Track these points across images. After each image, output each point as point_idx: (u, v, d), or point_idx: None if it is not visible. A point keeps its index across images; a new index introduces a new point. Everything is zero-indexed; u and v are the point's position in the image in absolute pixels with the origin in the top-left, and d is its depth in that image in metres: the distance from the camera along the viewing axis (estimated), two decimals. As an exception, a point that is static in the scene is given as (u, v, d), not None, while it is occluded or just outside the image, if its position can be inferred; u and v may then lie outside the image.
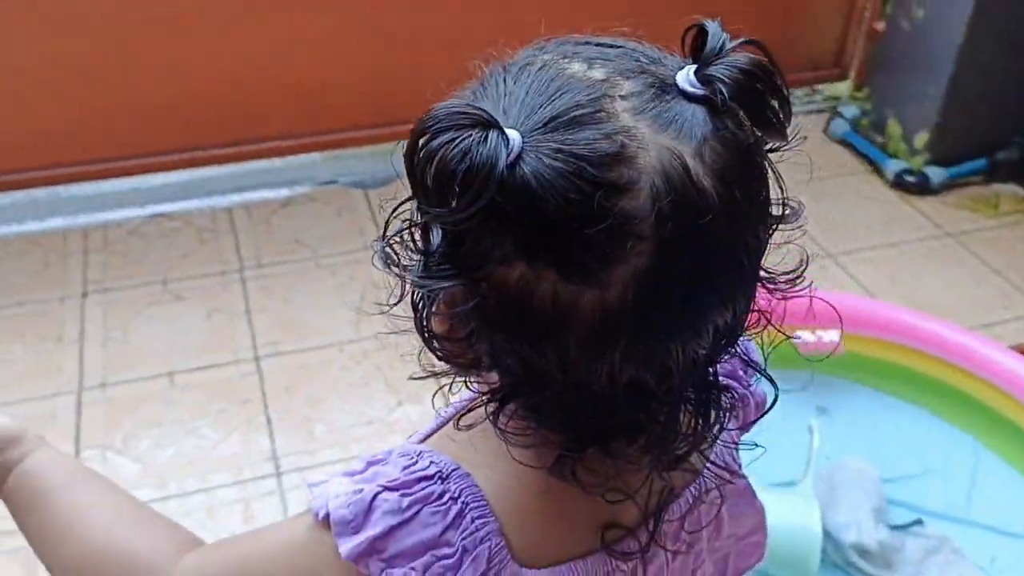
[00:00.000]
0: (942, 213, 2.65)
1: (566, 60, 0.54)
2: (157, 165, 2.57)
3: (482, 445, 0.62)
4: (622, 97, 0.52)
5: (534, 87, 0.52)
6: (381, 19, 2.52)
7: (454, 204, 0.49)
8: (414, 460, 0.60)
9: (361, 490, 0.58)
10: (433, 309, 0.57)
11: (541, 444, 0.60)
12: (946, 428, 1.82)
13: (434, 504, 0.58)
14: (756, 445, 0.74)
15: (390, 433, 1.88)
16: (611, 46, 0.56)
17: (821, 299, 0.79)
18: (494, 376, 0.58)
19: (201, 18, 2.38)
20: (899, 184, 2.72)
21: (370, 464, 0.61)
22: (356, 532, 0.57)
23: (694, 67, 0.53)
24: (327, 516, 0.58)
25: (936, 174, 2.70)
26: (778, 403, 1.84)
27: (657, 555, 0.66)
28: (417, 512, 0.58)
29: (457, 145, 0.48)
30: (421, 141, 0.50)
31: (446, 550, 0.58)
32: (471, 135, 0.48)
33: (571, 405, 0.56)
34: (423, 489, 0.59)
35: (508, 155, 0.48)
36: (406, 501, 0.58)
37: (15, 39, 2.29)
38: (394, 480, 0.59)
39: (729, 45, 0.54)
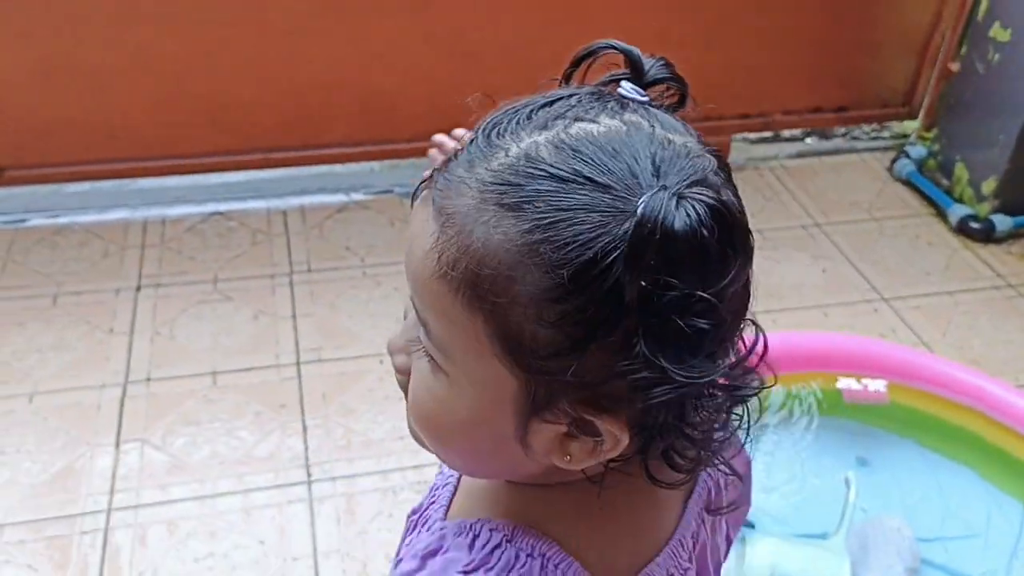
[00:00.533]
0: (1006, 263, 2.57)
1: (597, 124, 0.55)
2: (220, 165, 2.62)
3: (530, 500, 0.62)
4: (651, 128, 0.55)
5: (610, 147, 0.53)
6: (455, 35, 2.53)
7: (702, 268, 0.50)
8: (475, 533, 0.60)
9: None
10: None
11: (617, 474, 0.59)
12: (992, 491, 1.76)
13: (517, 568, 0.58)
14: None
15: (420, 450, 1.88)
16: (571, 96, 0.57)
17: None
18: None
19: (284, 22, 2.42)
20: (962, 230, 2.65)
21: (428, 557, 0.61)
22: None
23: (629, 84, 0.58)
24: None
25: (1002, 222, 2.62)
26: (819, 451, 1.80)
27: (699, 540, 0.68)
28: None
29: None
30: None
31: None
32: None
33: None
34: (500, 558, 0.59)
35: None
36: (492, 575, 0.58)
37: (97, 34, 2.35)
38: (470, 562, 0.59)
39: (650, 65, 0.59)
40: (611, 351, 0.50)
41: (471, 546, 0.60)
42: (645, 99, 0.57)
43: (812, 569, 1.51)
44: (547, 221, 0.50)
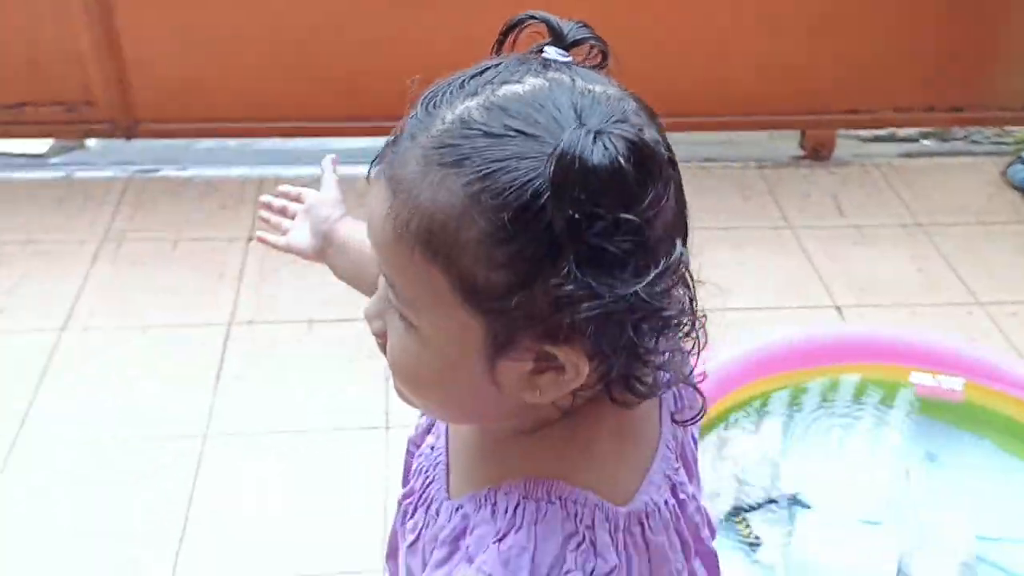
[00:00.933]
0: (1119, 277, 2.46)
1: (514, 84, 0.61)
2: (338, 130, 2.76)
3: (535, 453, 0.66)
4: (571, 82, 0.60)
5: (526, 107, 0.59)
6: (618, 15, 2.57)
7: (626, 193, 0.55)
8: (492, 502, 0.64)
9: (490, 566, 0.62)
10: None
11: (597, 402, 0.64)
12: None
13: (541, 519, 0.63)
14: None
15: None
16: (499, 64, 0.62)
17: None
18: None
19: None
20: (1076, 241, 2.56)
21: (457, 540, 0.65)
22: None
23: (553, 48, 0.62)
24: None
25: (1119, 235, 2.51)
26: (887, 442, 1.79)
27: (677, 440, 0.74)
28: (532, 532, 0.62)
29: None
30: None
31: (576, 540, 0.63)
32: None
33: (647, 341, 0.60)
34: (524, 515, 0.63)
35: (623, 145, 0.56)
36: (522, 536, 0.62)
37: (235, 3, 2.53)
38: (498, 531, 0.63)
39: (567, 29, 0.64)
40: (554, 282, 0.55)
41: (493, 515, 0.63)
42: (567, 59, 0.62)
43: (861, 551, 1.52)
44: (484, 172, 0.55)
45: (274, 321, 2.23)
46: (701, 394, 0.71)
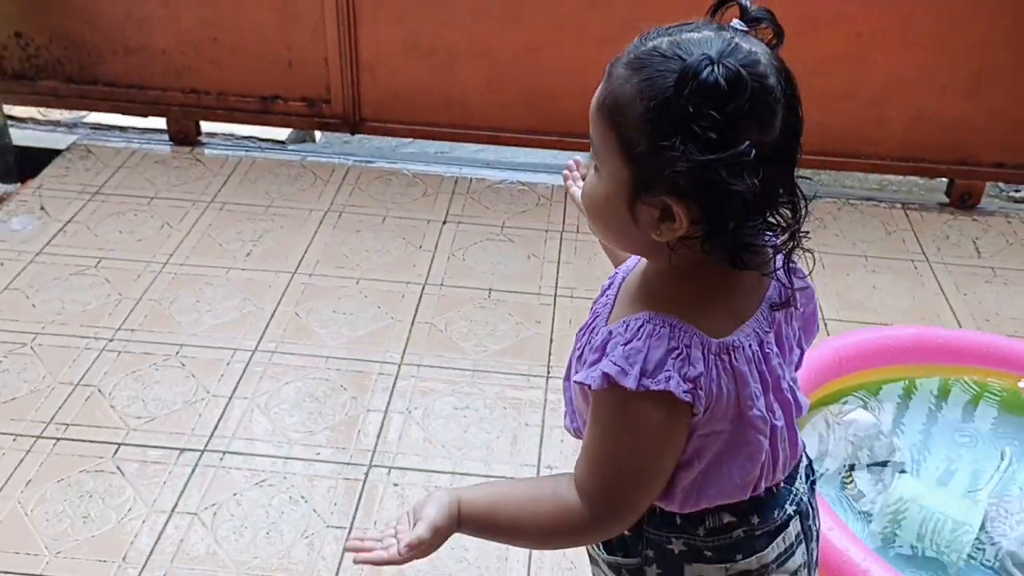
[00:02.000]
0: None
1: (689, 32, 0.91)
2: (527, 141, 3.21)
3: (658, 296, 0.97)
4: (735, 38, 0.90)
5: (695, 42, 0.89)
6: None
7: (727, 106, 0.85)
8: (627, 323, 0.95)
9: (616, 359, 0.93)
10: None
11: (703, 263, 0.95)
12: None
13: (655, 334, 0.93)
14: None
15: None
16: (691, 23, 0.92)
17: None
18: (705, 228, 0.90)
19: (600, 31, 2.91)
20: None
21: (603, 347, 0.94)
22: (627, 374, 0.92)
23: (737, 20, 0.92)
24: (607, 381, 0.93)
25: None
26: (994, 437, 2.02)
27: (778, 315, 1.02)
28: (648, 343, 0.93)
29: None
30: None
31: (677, 351, 0.93)
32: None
33: (748, 224, 0.90)
34: (644, 330, 0.95)
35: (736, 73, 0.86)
36: (639, 342, 0.93)
37: (454, 21, 3.02)
38: (628, 338, 0.94)
39: (751, 8, 0.92)
40: (670, 152, 0.86)
41: (626, 331, 0.94)
42: (743, 28, 0.91)
43: (945, 510, 1.76)
44: (648, 76, 0.88)
45: (461, 286, 2.65)
46: (787, 287, 1.00)
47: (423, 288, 2.64)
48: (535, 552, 1.88)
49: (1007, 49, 2.90)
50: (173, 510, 1.93)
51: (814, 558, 1.13)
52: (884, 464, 1.92)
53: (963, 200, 3.12)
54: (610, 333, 0.96)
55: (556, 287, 2.67)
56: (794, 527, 1.08)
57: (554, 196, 3.11)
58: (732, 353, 0.95)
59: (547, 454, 2.12)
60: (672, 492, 1.00)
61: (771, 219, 0.93)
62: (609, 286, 1.11)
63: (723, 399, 0.95)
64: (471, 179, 3.20)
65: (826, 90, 2.90)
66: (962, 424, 2.05)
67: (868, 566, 1.49)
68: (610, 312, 1.04)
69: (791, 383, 1.03)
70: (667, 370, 0.92)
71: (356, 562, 1.02)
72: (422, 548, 1.00)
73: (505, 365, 2.37)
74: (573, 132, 3.16)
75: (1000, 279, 2.78)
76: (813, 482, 1.14)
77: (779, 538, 1.06)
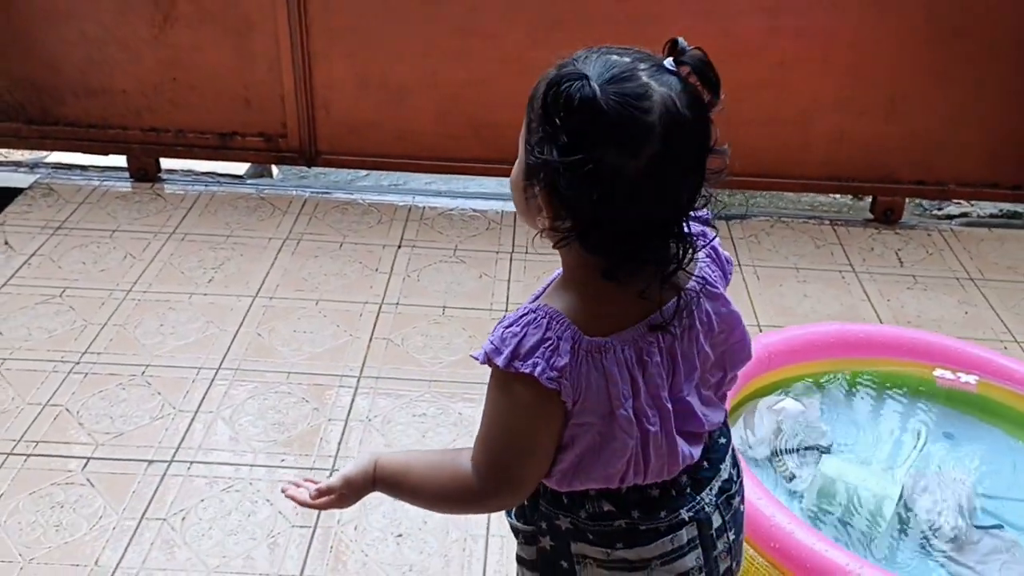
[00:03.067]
0: None
1: (614, 55, 1.00)
2: (475, 169, 3.36)
3: (555, 293, 1.07)
4: (642, 70, 0.97)
5: (600, 63, 0.98)
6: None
7: (572, 119, 0.95)
8: (523, 311, 1.05)
9: (495, 339, 1.04)
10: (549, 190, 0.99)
11: (590, 268, 1.02)
12: (1062, 477, 2.06)
13: (535, 322, 1.02)
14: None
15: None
16: (633, 49, 1.01)
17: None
18: (568, 224, 0.99)
19: (543, 63, 3.09)
20: (1113, 300, 2.88)
21: (500, 324, 1.06)
22: (500, 354, 1.02)
23: (671, 58, 1.00)
24: (485, 357, 1.04)
25: None
26: (914, 422, 2.18)
27: (665, 341, 1.07)
28: (525, 329, 1.02)
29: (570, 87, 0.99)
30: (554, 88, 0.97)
31: (549, 342, 1.01)
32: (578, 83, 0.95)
33: (615, 240, 0.99)
34: (525, 317, 1.03)
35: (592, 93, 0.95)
36: (517, 327, 1.03)
37: (403, 59, 3.19)
38: (511, 322, 1.04)
39: (688, 49, 1.00)
40: (530, 146, 1.00)
41: (514, 316, 1.04)
42: (669, 67, 0.99)
43: (867, 485, 1.91)
44: (546, 78, 1.00)
45: (416, 304, 2.78)
46: (684, 308, 1.07)
47: (380, 307, 2.76)
48: (495, 545, 1.99)
49: (919, 74, 3.14)
50: (143, 516, 2.01)
51: (717, 567, 1.18)
52: (812, 448, 2.07)
53: (886, 215, 3.33)
54: (503, 318, 1.07)
55: (507, 303, 2.80)
56: (688, 532, 1.13)
57: (503, 221, 3.26)
58: (603, 352, 1.03)
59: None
60: (552, 472, 1.09)
61: (651, 251, 1.01)
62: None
63: (592, 393, 1.03)
64: (424, 207, 3.34)
65: (753, 115, 3.11)
66: (882, 409, 2.21)
67: (793, 528, 1.63)
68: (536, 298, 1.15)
69: (687, 397, 1.10)
70: (536, 357, 1.01)
71: (283, 493, 1.26)
72: (332, 496, 1.19)
73: (460, 375, 2.49)
74: (510, 158, 3.33)
75: (920, 286, 2.97)
76: (730, 496, 1.19)
77: (667, 538, 1.13)
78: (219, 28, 3.18)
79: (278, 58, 3.20)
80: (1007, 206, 3.48)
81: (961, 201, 3.44)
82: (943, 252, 3.18)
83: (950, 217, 3.43)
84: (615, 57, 0.98)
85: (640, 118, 0.94)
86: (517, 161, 1.07)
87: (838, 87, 3.15)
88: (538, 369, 1.00)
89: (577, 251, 1.02)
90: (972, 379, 2.19)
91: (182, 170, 3.51)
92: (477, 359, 1.07)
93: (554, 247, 1.04)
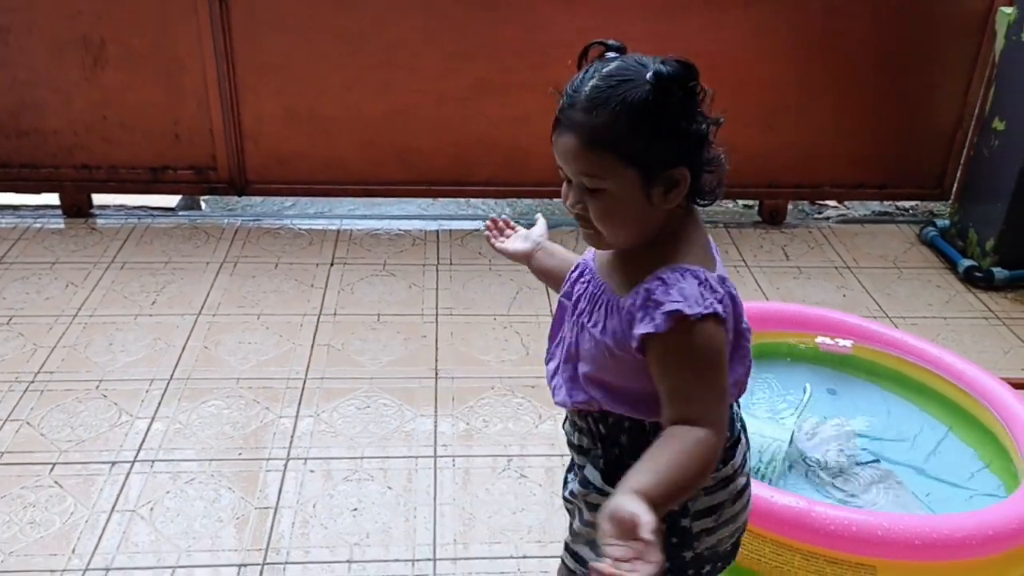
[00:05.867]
0: (999, 303, 3.18)
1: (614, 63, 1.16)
2: (399, 191, 3.61)
3: (662, 256, 1.17)
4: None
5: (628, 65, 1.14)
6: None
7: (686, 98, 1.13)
8: (659, 280, 1.14)
9: (670, 302, 1.13)
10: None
11: (675, 220, 1.17)
12: (928, 418, 2.39)
13: (683, 277, 1.13)
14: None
15: (521, 387, 2.70)
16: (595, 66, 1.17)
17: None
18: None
19: (457, 93, 3.41)
20: (968, 278, 3.30)
21: (650, 304, 1.13)
22: (687, 306, 1.11)
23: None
24: (669, 321, 1.11)
25: (1000, 273, 3.25)
26: (801, 380, 2.48)
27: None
28: (683, 283, 1.13)
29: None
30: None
31: (703, 283, 1.13)
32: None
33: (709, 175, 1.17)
34: (673, 279, 1.13)
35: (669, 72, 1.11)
36: (680, 285, 1.13)
37: (328, 93, 3.42)
38: (668, 287, 1.13)
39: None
40: (667, 138, 1.12)
41: (664, 282, 1.13)
42: (622, 52, 1.19)
43: (762, 432, 2.20)
44: (622, 99, 1.11)
45: (352, 313, 2.99)
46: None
47: (319, 318, 2.96)
48: (437, 509, 2.20)
49: (793, 89, 3.53)
50: (113, 509, 2.16)
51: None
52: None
53: (772, 217, 3.70)
54: (647, 291, 1.15)
55: (437, 308, 3.04)
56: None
57: (427, 238, 3.50)
58: (726, 281, 1.18)
59: (441, 436, 2.45)
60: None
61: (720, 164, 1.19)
62: (580, 275, 1.30)
63: (730, 315, 1.16)
64: (351, 229, 3.56)
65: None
66: (774, 372, 2.52)
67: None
68: (613, 289, 1.23)
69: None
70: (706, 298, 1.13)
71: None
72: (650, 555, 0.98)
73: (398, 372, 2.71)
74: (440, 181, 3.59)
75: (804, 275, 3.33)
76: None
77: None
78: (148, 68, 3.36)
79: (206, 94, 3.40)
80: (876, 206, 3.89)
81: (837, 204, 3.85)
82: (823, 246, 3.56)
83: (828, 217, 3.82)
84: (608, 65, 1.16)
85: (680, 67, 1.13)
86: (608, 198, 1.15)
87: (725, 103, 3.51)
88: (716, 305, 1.13)
89: (670, 212, 1.16)
90: (848, 343, 2.52)
91: (114, 205, 3.64)
92: (656, 331, 1.12)
93: (670, 222, 1.18)
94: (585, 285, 1.26)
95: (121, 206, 3.65)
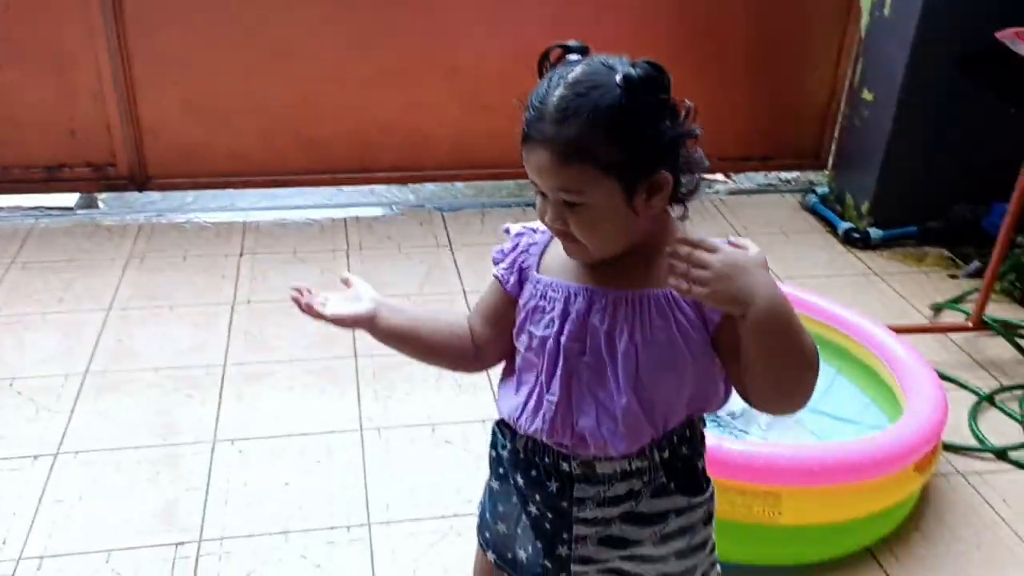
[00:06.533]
0: (875, 261, 3.45)
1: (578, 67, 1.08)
2: (304, 181, 3.64)
3: (640, 260, 1.13)
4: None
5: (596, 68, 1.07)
6: (474, 94, 3.55)
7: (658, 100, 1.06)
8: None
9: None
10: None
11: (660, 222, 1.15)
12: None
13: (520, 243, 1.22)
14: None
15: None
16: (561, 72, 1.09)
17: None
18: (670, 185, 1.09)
19: (356, 81, 3.46)
20: (847, 239, 3.55)
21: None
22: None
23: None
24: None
25: (875, 233, 3.51)
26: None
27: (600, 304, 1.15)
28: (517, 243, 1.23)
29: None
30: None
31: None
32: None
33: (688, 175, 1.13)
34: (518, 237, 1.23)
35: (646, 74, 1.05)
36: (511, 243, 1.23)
37: (226, 83, 3.42)
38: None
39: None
40: (647, 142, 1.05)
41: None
42: (584, 54, 1.12)
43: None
44: (593, 107, 1.04)
45: (266, 300, 3.02)
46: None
47: (232, 306, 2.98)
48: (367, 478, 2.27)
49: (677, 70, 3.66)
50: (40, 501, 2.15)
51: None
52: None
53: (666, 192, 3.88)
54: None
55: (351, 292, 3.09)
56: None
57: (335, 226, 3.55)
58: None
59: (365, 410, 2.51)
60: None
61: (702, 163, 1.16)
62: (589, 306, 1.16)
63: None
64: (258, 221, 3.57)
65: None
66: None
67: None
68: (638, 290, 1.14)
69: None
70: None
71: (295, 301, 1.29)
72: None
73: (317, 353, 2.76)
74: (344, 169, 3.64)
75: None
76: None
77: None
78: (38, 65, 3.30)
79: (101, 89, 3.36)
80: (760, 178, 4.13)
81: (724, 177, 4.07)
82: (715, 217, 3.77)
83: (717, 191, 4.03)
84: (573, 70, 1.08)
85: (652, 67, 1.09)
86: (589, 211, 1.09)
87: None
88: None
89: (656, 215, 1.12)
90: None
91: (8, 207, 3.55)
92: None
93: (654, 214, 1.12)
94: (610, 308, 1.14)
95: (16, 207, 3.56)
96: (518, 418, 1.23)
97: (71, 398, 2.50)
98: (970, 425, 2.55)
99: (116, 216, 3.56)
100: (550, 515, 1.26)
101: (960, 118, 3.37)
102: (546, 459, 1.24)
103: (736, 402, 2.35)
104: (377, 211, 3.69)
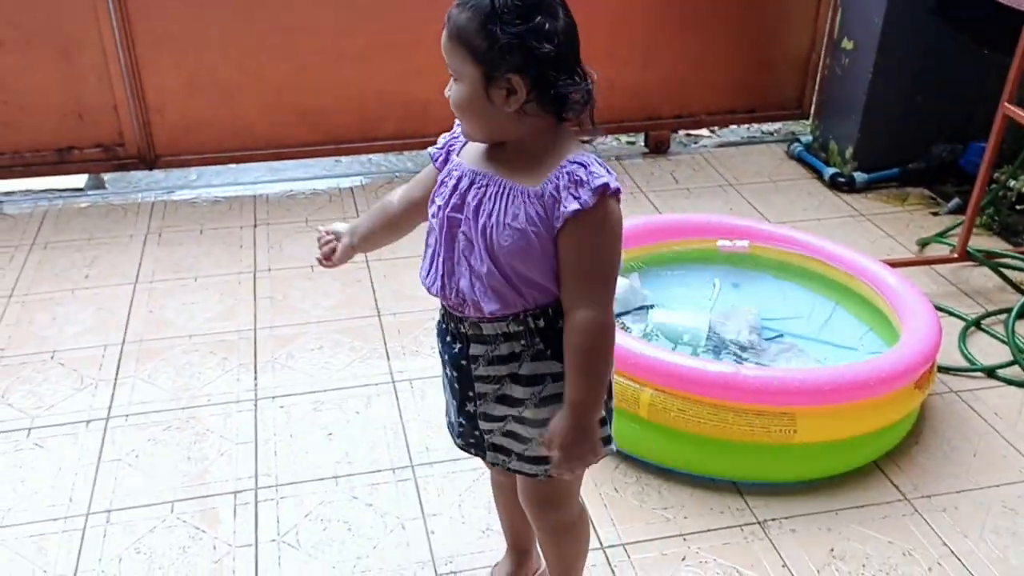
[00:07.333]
0: (861, 203, 3.61)
1: None
2: (307, 153, 3.74)
3: (532, 151, 1.32)
4: None
5: None
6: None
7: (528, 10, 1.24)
8: (572, 162, 1.30)
9: (595, 178, 1.29)
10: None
11: (543, 126, 1.31)
12: (817, 297, 2.76)
13: (591, 160, 1.30)
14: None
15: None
16: None
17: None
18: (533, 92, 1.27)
19: (355, 52, 3.55)
20: (833, 184, 3.71)
21: (576, 185, 1.28)
22: (613, 178, 1.30)
23: None
24: (596, 195, 1.26)
25: (860, 177, 3.68)
26: (710, 277, 2.79)
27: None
28: (591, 162, 1.30)
29: None
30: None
31: (603, 165, 1.31)
32: None
33: (564, 88, 1.28)
34: (583, 161, 1.29)
35: None
36: (590, 167, 1.29)
37: (228, 59, 3.50)
38: (587, 164, 1.29)
39: None
40: (502, 41, 1.25)
41: (577, 163, 1.29)
42: None
43: (685, 324, 2.51)
44: (475, 4, 1.26)
45: (285, 268, 3.14)
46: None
47: (254, 274, 3.10)
48: (404, 425, 2.41)
49: (665, 26, 3.82)
50: (99, 460, 2.27)
51: None
52: (640, 308, 2.65)
53: (658, 147, 4.03)
54: (568, 174, 1.28)
55: (367, 256, 3.21)
56: None
57: (342, 195, 3.66)
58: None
59: (395, 363, 2.64)
60: None
61: (573, 87, 1.29)
62: (472, 183, 1.37)
63: None
64: (267, 194, 3.68)
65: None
66: (685, 273, 2.84)
67: (656, 352, 2.19)
68: (512, 180, 1.33)
69: None
70: (612, 174, 1.30)
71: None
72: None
73: (342, 314, 2.88)
74: (347, 139, 3.74)
75: (694, 195, 3.68)
76: None
77: None
78: (44, 48, 3.36)
79: (107, 70, 3.43)
80: (745, 132, 4.28)
81: (709, 132, 4.21)
82: (706, 169, 3.92)
83: (705, 146, 4.18)
84: None
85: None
86: (457, 86, 1.32)
87: (603, 43, 3.80)
88: (616, 182, 1.30)
89: (533, 120, 1.29)
90: (745, 243, 2.86)
91: (20, 191, 3.63)
92: (583, 207, 1.25)
93: (529, 123, 1.30)
94: (483, 189, 1.34)
95: (28, 190, 3.63)
96: (424, 278, 1.46)
97: (112, 367, 2.62)
98: (960, 348, 2.73)
99: (125, 195, 3.65)
100: (456, 374, 1.50)
101: (937, 62, 3.53)
102: (451, 324, 1.47)
103: (745, 336, 2.52)
104: (382, 178, 3.80)
